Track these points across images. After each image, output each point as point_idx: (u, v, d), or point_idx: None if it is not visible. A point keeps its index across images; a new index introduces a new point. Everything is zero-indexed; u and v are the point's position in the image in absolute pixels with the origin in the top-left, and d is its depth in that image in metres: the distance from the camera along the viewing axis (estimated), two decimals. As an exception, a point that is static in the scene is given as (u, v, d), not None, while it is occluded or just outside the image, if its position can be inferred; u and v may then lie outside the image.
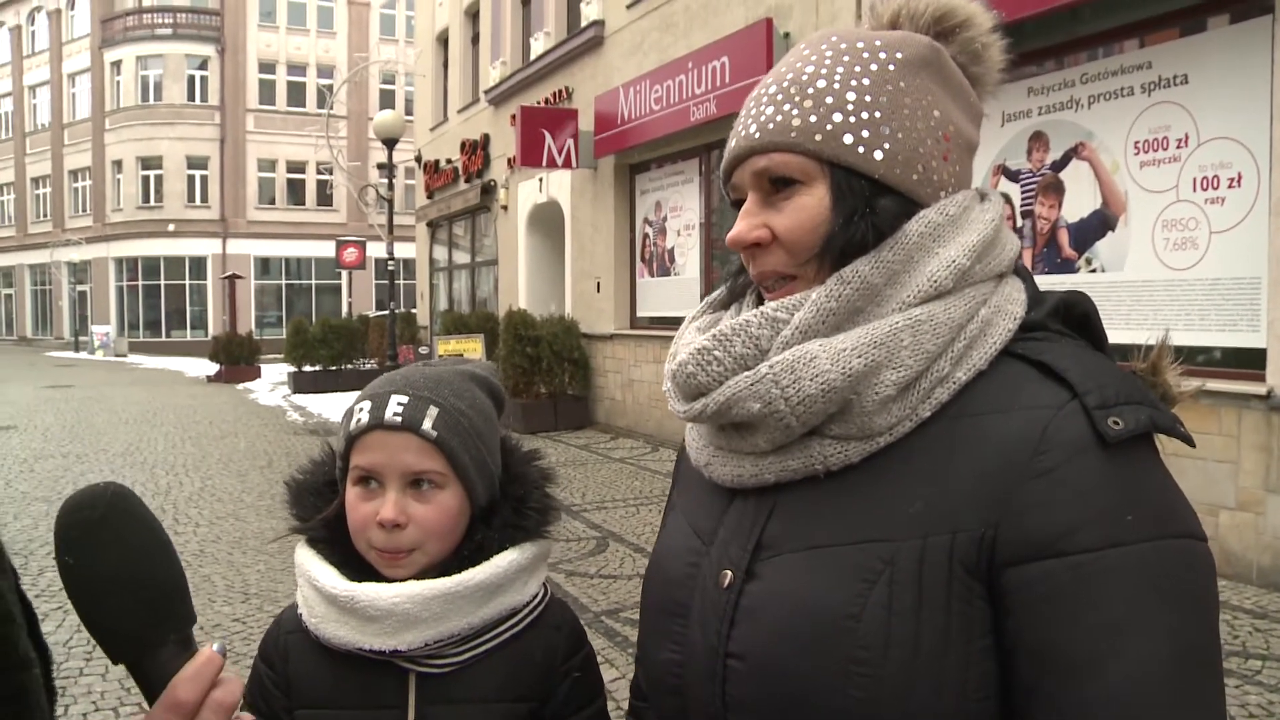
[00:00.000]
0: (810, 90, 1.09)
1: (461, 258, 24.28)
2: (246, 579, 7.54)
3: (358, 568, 1.45)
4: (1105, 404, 0.98)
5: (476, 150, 21.14)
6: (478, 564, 1.44)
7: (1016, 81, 8.70)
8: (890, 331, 1.04)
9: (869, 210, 1.07)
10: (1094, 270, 7.90)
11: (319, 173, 44.97)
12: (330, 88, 36.42)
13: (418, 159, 25.86)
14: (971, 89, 1.17)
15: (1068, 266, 8.05)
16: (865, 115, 1.08)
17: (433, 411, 1.44)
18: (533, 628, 1.49)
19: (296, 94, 46.47)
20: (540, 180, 17.96)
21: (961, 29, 1.15)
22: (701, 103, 12.54)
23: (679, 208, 14.46)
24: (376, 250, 28.20)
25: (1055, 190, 8.21)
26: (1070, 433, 0.97)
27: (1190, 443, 1.01)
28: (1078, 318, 1.12)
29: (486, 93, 20.52)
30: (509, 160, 18.97)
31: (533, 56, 18.38)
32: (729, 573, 1.11)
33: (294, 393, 23.61)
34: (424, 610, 1.39)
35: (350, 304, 43.24)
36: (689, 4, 13.35)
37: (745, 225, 1.12)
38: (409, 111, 29.43)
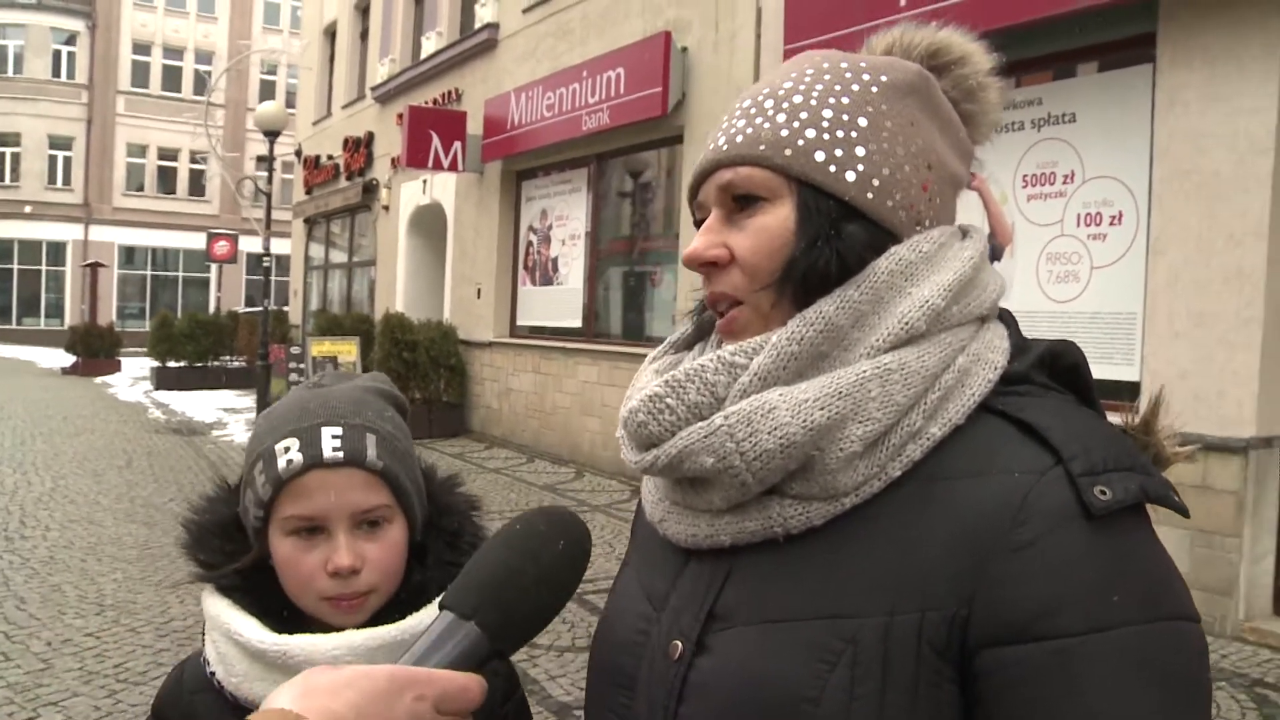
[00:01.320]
0: (785, 105, 1.02)
1: (338, 257, 23.77)
2: (102, 589, 7.11)
3: (279, 617, 1.29)
4: (1092, 470, 0.89)
5: (360, 148, 20.72)
6: (417, 606, 1.30)
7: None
8: (857, 381, 0.94)
9: (834, 234, 0.98)
10: (978, 299, 8.02)
11: (192, 161, 43.60)
12: (209, 74, 35.34)
13: (298, 153, 25.26)
14: (962, 125, 1.09)
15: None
16: (840, 134, 1.00)
17: (372, 440, 1.29)
18: None
19: (172, 78, 44.93)
20: (424, 182, 17.66)
21: (956, 65, 1.09)
22: (595, 112, 12.45)
23: (565, 217, 14.33)
24: (248, 245, 27.42)
25: (945, 218, 8.31)
26: (1052, 502, 0.89)
27: (1185, 513, 0.94)
28: (1065, 369, 1.03)
29: (373, 90, 20.12)
30: (393, 160, 18.63)
31: (423, 56, 18.06)
32: (679, 644, 1.02)
33: (157, 389, 23.02)
34: (367, 662, 1.23)
35: (219, 299, 42.00)
36: (586, 12, 13.25)
37: (703, 242, 1.03)
38: (290, 104, 28.67)
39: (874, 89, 1.03)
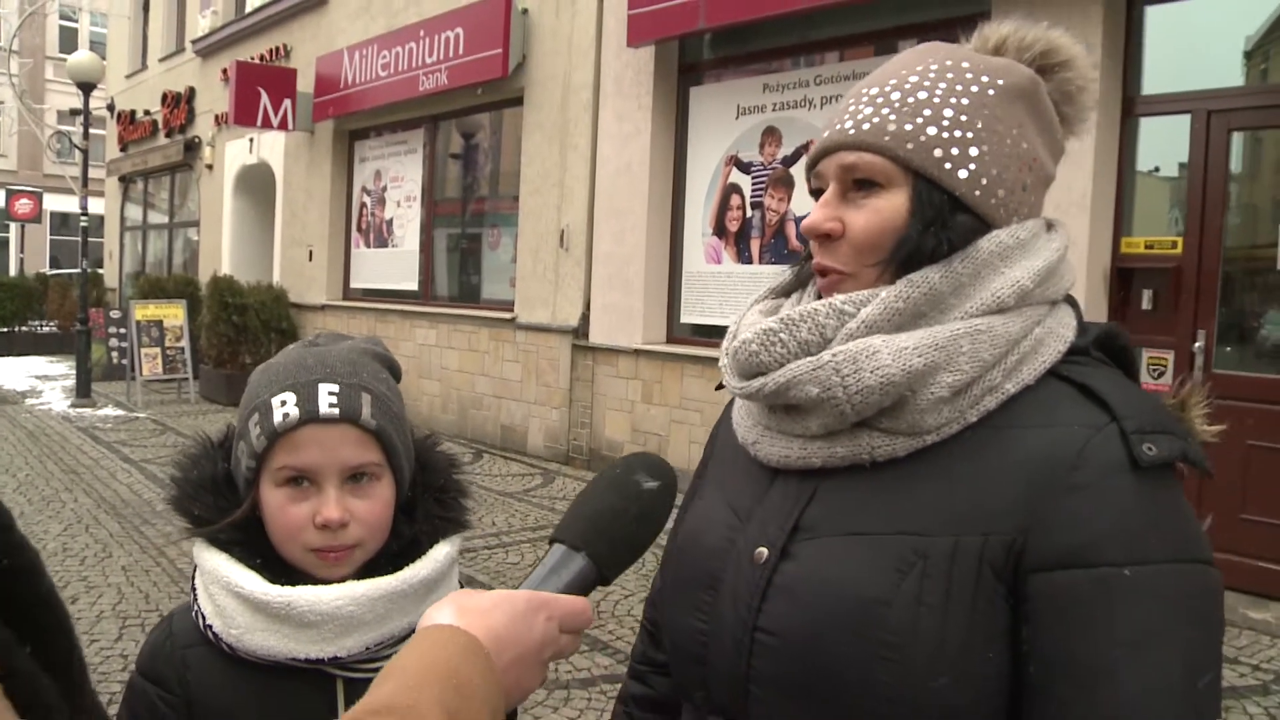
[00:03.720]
0: (910, 100, 1.13)
1: (157, 218, 22.75)
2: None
3: (275, 570, 1.34)
4: (1142, 430, 1.04)
5: (180, 103, 19.83)
6: (408, 559, 1.37)
7: (753, 77, 9.04)
8: (951, 336, 1.09)
9: (944, 224, 1.12)
10: (818, 263, 8.33)
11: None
12: (2, 16, 33.17)
13: (110, 107, 24.02)
14: (1059, 127, 1.21)
15: (794, 259, 8.42)
16: (958, 133, 1.12)
17: (367, 399, 1.34)
18: None
19: (-42, 23, 41.89)
20: (251, 141, 17.08)
21: (1062, 69, 1.20)
22: (432, 72, 12.28)
23: (400, 178, 14.13)
24: (52, 203, 25.90)
25: (785, 184, 8.59)
26: (1106, 453, 1.03)
27: (1210, 475, 1.08)
28: (1116, 349, 1.19)
29: (194, 43, 19.26)
30: (217, 117, 17.98)
31: (248, 9, 17.40)
32: (764, 550, 1.15)
33: (-43, 356, 21.53)
34: (368, 612, 1.31)
35: (21, 260, 39.67)
36: (422, -30, 13.03)
37: (821, 215, 1.16)
38: (98, 54, 27.18)
39: (990, 92, 1.14)
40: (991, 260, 1.12)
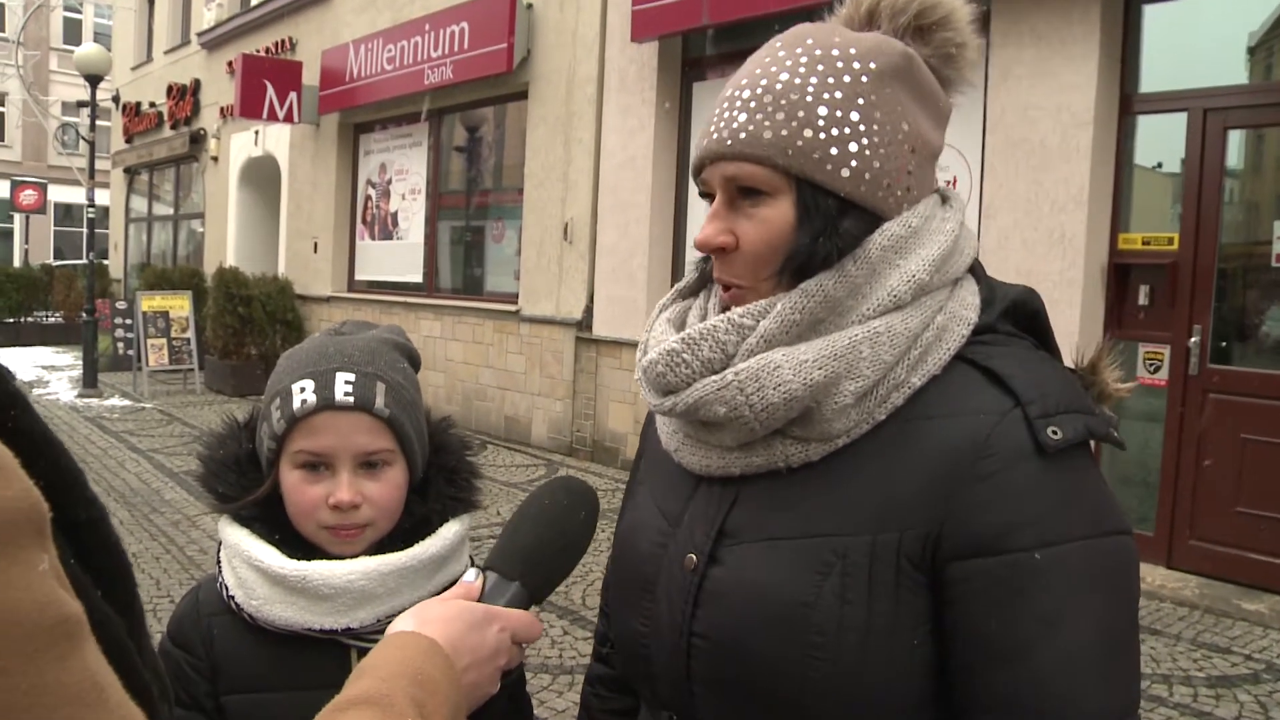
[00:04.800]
0: (784, 101, 1.09)
1: (163, 209, 22.78)
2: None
3: (293, 545, 1.42)
4: (1046, 413, 1.05)
5: (185, 96, 19.86)
6: (420, 537, 1.44)
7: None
8: (850, 344, 1.08)
9: (834, 231, 1.09)
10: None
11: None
12: (3, 8, 33.16)
13: (115, 99, 24.06)
14: (941, 92, 1.17)
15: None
16: (835, 132, 1.08)
17: (381, 388, 1.41)
18: None
19: (-37, 14, 41.88)
20: (256, 133, 17.14)
21: (939, 27, 1.16)
22: (437, 67, 12.34)
23: (405, 171, 14.20)
24: (56, 194, 25.92)
25: (787, 180, 8.63)
26: (1012, 440, 1.04)
27: (1122, 446, 1.12)
28: (1027, 315, 1.19)
29: (199, 35, 19.32)
30: (222, 109, 18.02)
31: (254, 2, 17.47)
32: (693, 556, 1.17)
33: (-37, 346, 21.59)
34: (379, 586, 1.38)
35: (26, 251, 39.72)
36: (427, -36, 13.09)
37: (712, 229, 1.14)
38: (103, 45, 27.19)
39: (864, 79, 1.09)
40: (885, 255, 1.10)
